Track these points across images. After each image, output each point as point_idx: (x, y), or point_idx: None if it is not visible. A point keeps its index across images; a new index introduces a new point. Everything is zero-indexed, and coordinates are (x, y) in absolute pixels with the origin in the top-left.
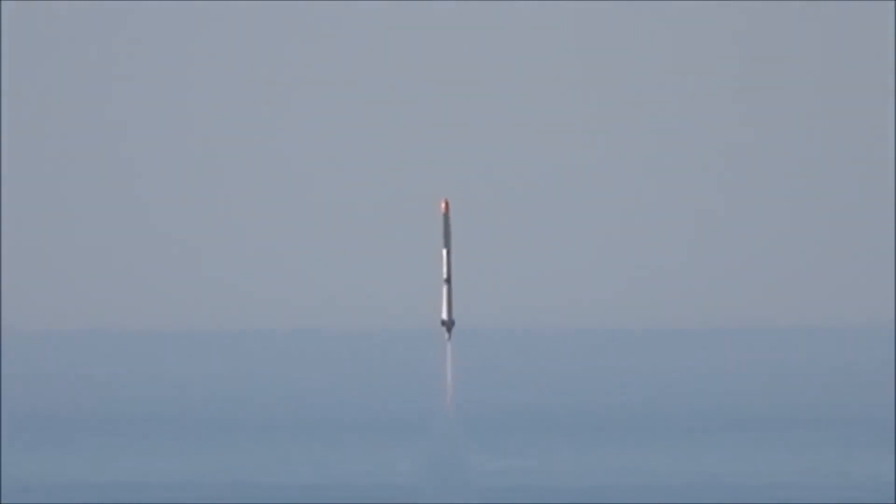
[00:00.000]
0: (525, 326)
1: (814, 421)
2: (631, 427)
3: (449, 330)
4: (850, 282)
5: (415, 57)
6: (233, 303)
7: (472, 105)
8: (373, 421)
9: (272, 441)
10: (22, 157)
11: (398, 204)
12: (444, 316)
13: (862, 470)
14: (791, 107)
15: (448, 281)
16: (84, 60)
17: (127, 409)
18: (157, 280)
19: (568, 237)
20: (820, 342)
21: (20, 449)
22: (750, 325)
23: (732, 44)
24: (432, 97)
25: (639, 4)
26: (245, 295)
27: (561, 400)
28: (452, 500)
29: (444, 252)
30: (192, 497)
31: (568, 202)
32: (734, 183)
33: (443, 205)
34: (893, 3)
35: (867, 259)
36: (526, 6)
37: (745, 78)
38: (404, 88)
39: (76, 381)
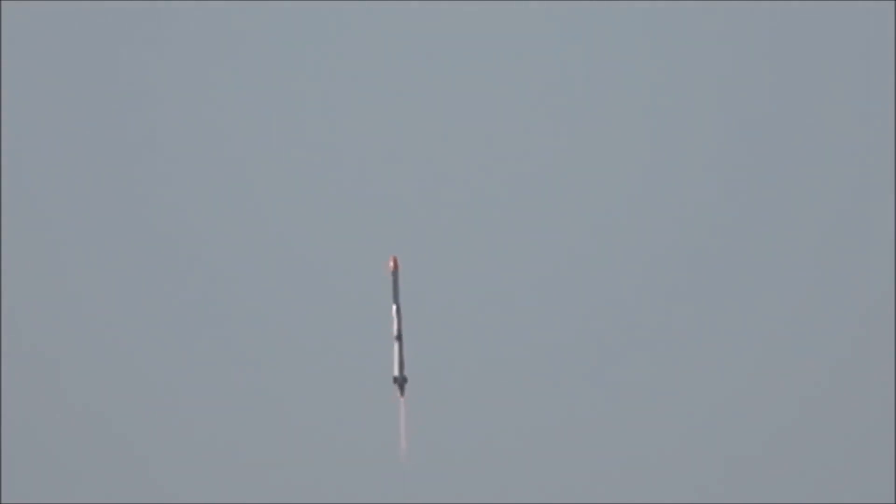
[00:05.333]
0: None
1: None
2: None
3: (401, 387)
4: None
5: (362, 108)
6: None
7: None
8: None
9: None
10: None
11: (346, 261)
12: (396, 373)
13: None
14: (789, 107)
15: (399, 338)
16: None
17: None
18: None
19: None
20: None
21: None
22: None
23: (730, 45)
24: (382, 149)
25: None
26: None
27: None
28: None
29: (394, 308)
30: None
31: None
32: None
33: (391, 262)
34: (894, 2)
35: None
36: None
37: (741, 79)
38: (353, 142)
39: None
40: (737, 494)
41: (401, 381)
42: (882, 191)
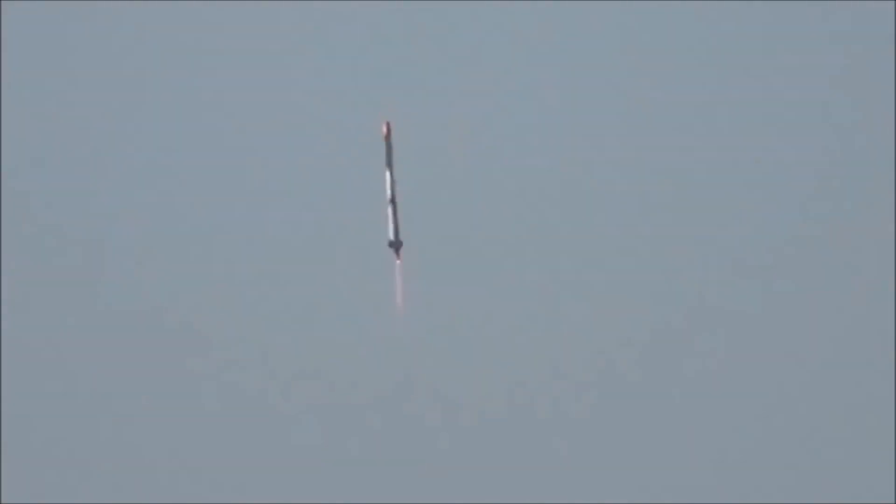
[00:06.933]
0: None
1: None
2: None
3: (397, 250)
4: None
5: None
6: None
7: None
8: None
9: None
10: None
11: (339, 125)
12: (391, 236)
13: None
14: (789, 108)
15: (392, 201)
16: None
17: None
18: None
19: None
20: None
21: None
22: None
23: (729, 45)
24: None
25: None
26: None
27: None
28: None
29: (388, 173)
30: None
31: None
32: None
33: (384, 127)
34: (894, 2)
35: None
36: None
37: (740, 80)
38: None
39: None
40: (737, 494)
41: (396, 245)
42: (882, 191)
